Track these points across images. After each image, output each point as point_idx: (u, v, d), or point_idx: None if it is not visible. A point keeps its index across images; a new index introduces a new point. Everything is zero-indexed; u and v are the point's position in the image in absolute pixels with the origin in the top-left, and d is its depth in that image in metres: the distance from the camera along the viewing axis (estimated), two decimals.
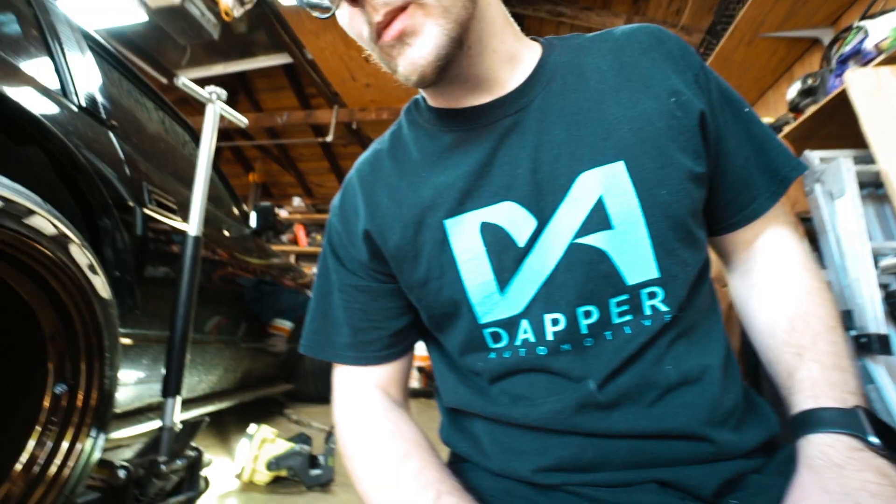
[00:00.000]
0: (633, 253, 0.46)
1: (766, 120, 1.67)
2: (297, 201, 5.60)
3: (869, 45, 1.13)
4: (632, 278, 0.47)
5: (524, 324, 0.49)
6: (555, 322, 0.47)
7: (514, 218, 0.48)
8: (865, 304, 0.91)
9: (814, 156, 1.12)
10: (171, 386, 1.01)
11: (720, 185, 0.52)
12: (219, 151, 5.34)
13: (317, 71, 3.50)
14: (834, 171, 1.02)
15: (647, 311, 0.47)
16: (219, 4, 2.50)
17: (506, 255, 0.48)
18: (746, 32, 1.77)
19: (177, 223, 1.22)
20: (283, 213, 5.56)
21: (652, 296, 0.47)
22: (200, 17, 2.38)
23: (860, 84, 1.04)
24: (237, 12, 2.54)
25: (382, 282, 0.56)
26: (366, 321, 0.56)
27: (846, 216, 0.99)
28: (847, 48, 1.21)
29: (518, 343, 0.49)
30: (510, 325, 0.49)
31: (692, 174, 0.48)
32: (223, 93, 1.25)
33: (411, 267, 0.52)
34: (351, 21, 0.46)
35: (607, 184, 0.46)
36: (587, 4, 2.82)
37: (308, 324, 0.60)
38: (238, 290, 1.77)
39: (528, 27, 3.25)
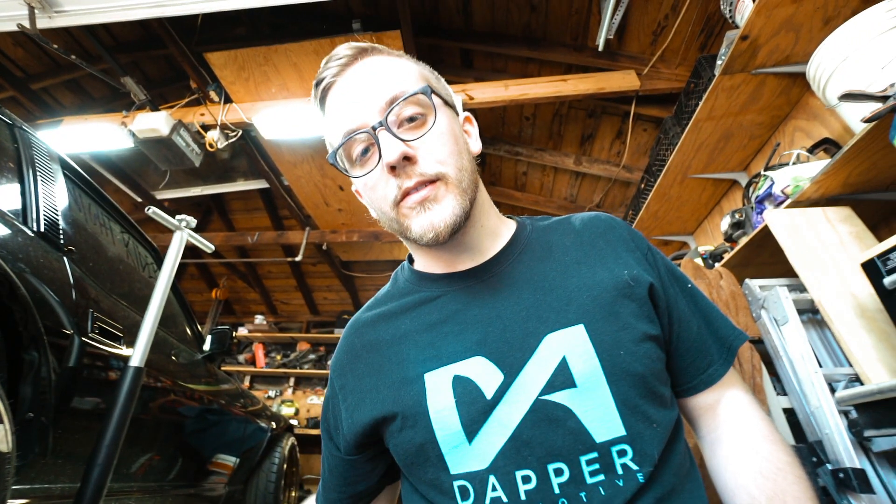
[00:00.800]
0: (597, 410, 0.49)
1: (707, 248, 1.83)
2: (259, 319, 5.40)
3: (777, 190, 1.31)
4: (599, 436, 0.48)
5: (492, 480, 0.49)
6: (526, 480, 0.48)
7: (483, 372, 0.52)
8: (832, 434, 0.90)
9: (754, 284, 1.20)
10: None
11: (678, 350, 0.59)
12: (183, 268, 5.26)
13: (291, 196, 3.68)
14: (774, 299, 1.09)
15: (619, 471, 0.47)
16: (204, 137, 2.70)
17: (473, 407, 0.51)
18: (678, 174, 2.03)
19: (120, 351, 1.13)
20: (242, 331, 5.31)
21: (622, 454, 0.48)
22: (185, 147, 2.54)
23: (778, 223, 1.17)
24: (221, 144, 2.74)
25: (353, 454, 0.61)
26: (332, 482, 0.65)
27: (793, 343, 1.03)
28: (761, 192, 1.40)
29: (488, 502, 0.48)
30: (478, 480, 0.49)
31: (647, 335, 0.53)
32: (192, 221, 1.27)
33: (391, 420, 0.55)
34: (383, 184, 0.55)
35: (569, 344, 0.51)
36: (541, 146, 3.21)
37: None
38: (178, 422, 1.59)
39: (490, 164, 3.64)
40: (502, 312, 0.55)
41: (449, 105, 0.61)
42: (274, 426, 2.31)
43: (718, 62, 1.63)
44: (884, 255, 0.84)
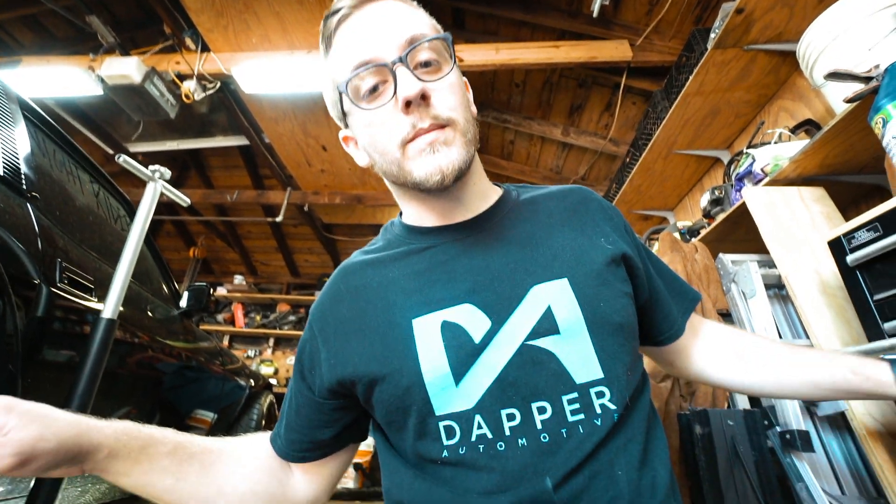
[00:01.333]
0: (578, 354, 0.53)
1: (685, 223, 1.87)
2: (238, 279, 5.35)
3: (757, 168, 1.33)
4: (579, 377, 0.52)
5: (478, 419, 0.51)
6: (510, 417, 0.50)
7: (472, 318, 0.54)
8: (784, 400, 0.96)
9: (727, 259, 1.24)
10: (40, 501, 0.84)
11: (654, 306, 0.67)
12: (159, 225, 5.12)
13: (273, 154, 3.57)
14: (744, 273, 1.12)
15: (598, 410, 0.51)
16: (180, 87, 2.57)
17: (462, 351, 0.52)
18: (663, 149, 2.04)
19: (91, 303, 1.10)
20: (221, 291, 5.26)
21: (600, 395, 0.52)
22: (159, 97, 2.41)
23: (756, 200, 1.20)
24: (198, 96, 2.61)
25: (327, 398, 0.60)
26: (297, 423, 0.63)
27: (758, 315, 1.07)
28: (741, 169, 1.42)
29: (474, 439, 0.50)
30: (464, 419, 0.51)
31: (624, 292, 0.58)
32: (167, 172, 1.23)
33: (375, 364, 0.55)
34: (393, 122, 0.54)
35: (555, 295, 0.55)
36: (529, 115, 3.17)
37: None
38: (156, 377, 1.58)
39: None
40: (491, 264, 0.57)
41: (455, 63, 0.61)
42: (252, 384, 2.33)
43: (712, 35, 1.61)
44: (849, 234, 0.87)
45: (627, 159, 2.41)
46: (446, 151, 0.53)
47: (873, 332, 0.83)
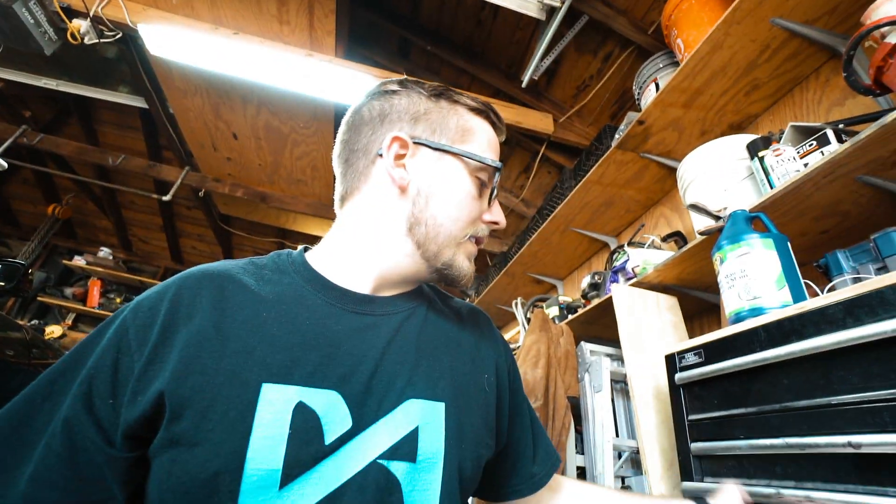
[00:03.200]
0: (423, 493, 0.47)
1: (566, 299, 1.97)
2: (104, 252, 4.65)
3: (629, 266, 1.44)
4: None
5: None
6: None
7: (333, 411, 0.46)
8: None
9: (587, 348, 1.30)
10: None
11: (510, 451, 0.64)
12: (15, 170, 4.30)
13: (174, 128, 3.21)
14: (597, 367, 1.18)
15: None
16: (67, 24, 2.21)
17: (306, 449, 0.43)
18: (561, 223, 2.16)
19: None
20: (79, 261, 4.52)
21: None
22: (33, 25, 2.03)
23: (620, 297, 1.28)
24: (89, 40, 2.26)
25: (122, 447, 0.43)
26: (65, 481, 0.41)
27: (601, 411, 1.13)
28: (618, 263, 1.53)
29: None
30: None
31: (486, 444, 0.56)
32: None
33: (190, 416, 0.41)
34: (475, 213, 0.58)
35: (427, 417, 0.50)
36: None
37: None
38: None
39: None
40: (378, 356, 0.51)
41: None
42: None
43: (617, 135, 1.76)
44: (681, 353, 0.95)
45: (531, 224, 2.53)
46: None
47: (682, 447, 0.89)
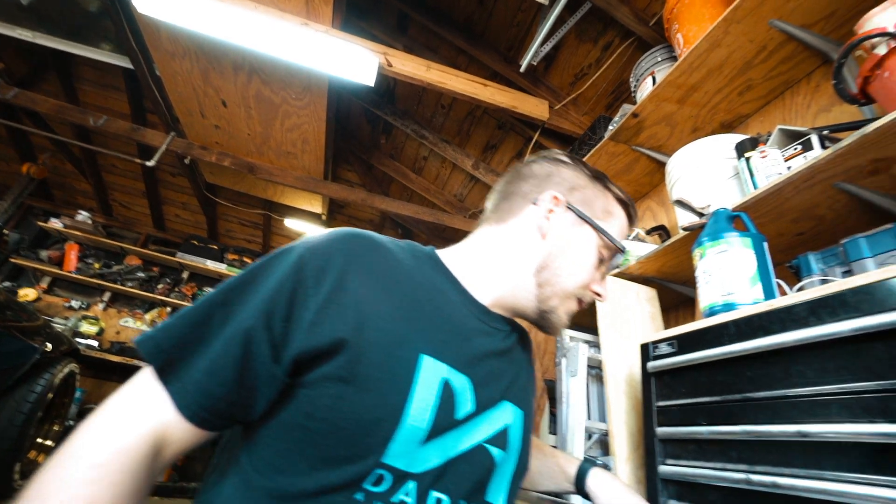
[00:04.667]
0: (502, 477, 0.59)
1: None
2: (83, 215, 4.53)
3: None
4: (490, 496, 0.57)
5: (410, 486, 0.49)
6: (438, 502, 0.50)
7: (465, 393, 0.55)
8: None
9: (566, 333, 1.34)
10: None
11: None
12: None
13: (161, 91, 3.11)
14: (574, 353, 1.22)
15: None
16: None
17: (445, 417, 0.52)
18: None
19: None
20: (55, 223, 4.41)
21: None
22: None
23: None
24: None
25: (283, 369, 0.47)
26: (231, 382, 0.46)
27: (575, 395, 1.17)
28: None
29: (395, 500, 0.48)
30: (399, 478, 0.48)
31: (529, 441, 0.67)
32: None
33: (366, 363, 0.48)
34: (587, 276, 0.65)
35: (513, 420, 0.61)
36: (447, 138, 3.20)
37: (175, 326, 0.48)
38: None
39: (395, 136, 3.52)
40: (493, 360, 0.61)
41: None
42: (48, 348, 1.94)
43: (610, 127, 1.78)
44: (655, 343, 0.99)
45: None
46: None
47: (648, 431, 0.93)
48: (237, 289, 0.49)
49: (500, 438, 0.58)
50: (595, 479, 0.76)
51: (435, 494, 0.50)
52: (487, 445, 0.56)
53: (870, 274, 0.60)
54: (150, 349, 0.46)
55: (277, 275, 0.49)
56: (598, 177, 0.71)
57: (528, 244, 0.65)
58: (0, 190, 4.50)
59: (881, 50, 0.72)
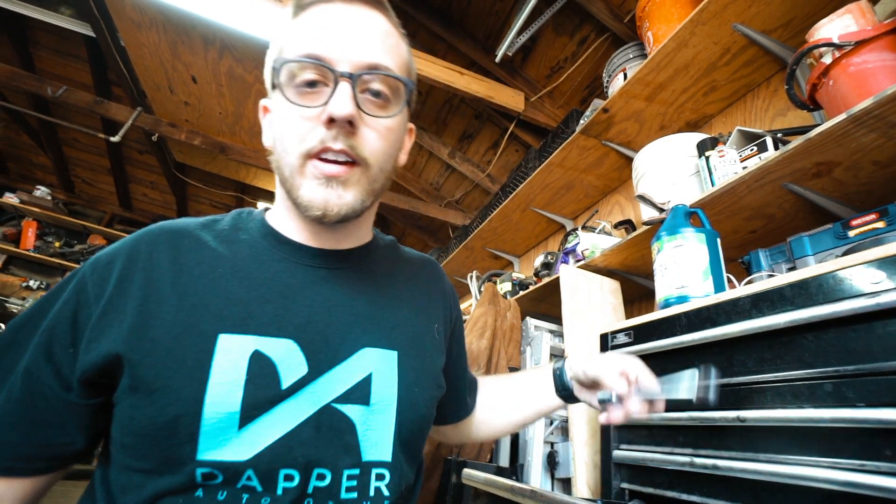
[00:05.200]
0: (376, 432, 0.52)
1: (520, 276, 2.04)
2: (41, 191, 4.32)
3: (579, 249, 1.51)
4: (367, 455, 0.51)
5: (248, 474, 0.45)
6: (288, 478, 0.46)
7: (288, 358, 0.49)
8: (533, 460, 1.09)
9: (532, 322, 1.37)
10: None
11: (450, 391, 0.70)
12: None
13: (126, 63, 2.97)
14: (538, 341, 1.25)
15: (372, 493, 0.50)
16: None
17: (263, 392, 0.47)
18: (522, 202, 2.21)
19: None
20: (11, 199, 4.19)
21: (380, 477, 0.51)
22: None
23: (567, 278, 1.35)
24: None
25: (84, 395, 0.47)
26: (25, 424, 0.46)
27: None
28: (570, 245, 1.60)
29: (239, 486, 0.45)
30: (231, 472, 0.45)
31: (437, 385, 0.61)
32: None
33: (149, 365, 0.45)
34: (307, 127, 0.49)
35: (380, 365, 0.54)
36: (424, 126, 3.18)
37: None
38: None
39: None
40: (333, 307, 0.54)
41: (409, 109, 0.59)
42: (1, 328, 1.86)
43: (582, 121, 1.80)
44: (614, 333, 1.03)
45: (494, 200, 2.56)
46: (341, 192, 0.50)
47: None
48: (25, 327, 0.49)
49: (356, 393, 0.51)
50: (572, 368, 0.70)
51: (284, 472, 0.46)
52: (336, 405, 0.50)
53: (804, 270, 0.65)
54: None
55: (59, 301, 0.49)
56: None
57: (272, 161, 0.56)
58: None
59: (827, 59, 0.76)
